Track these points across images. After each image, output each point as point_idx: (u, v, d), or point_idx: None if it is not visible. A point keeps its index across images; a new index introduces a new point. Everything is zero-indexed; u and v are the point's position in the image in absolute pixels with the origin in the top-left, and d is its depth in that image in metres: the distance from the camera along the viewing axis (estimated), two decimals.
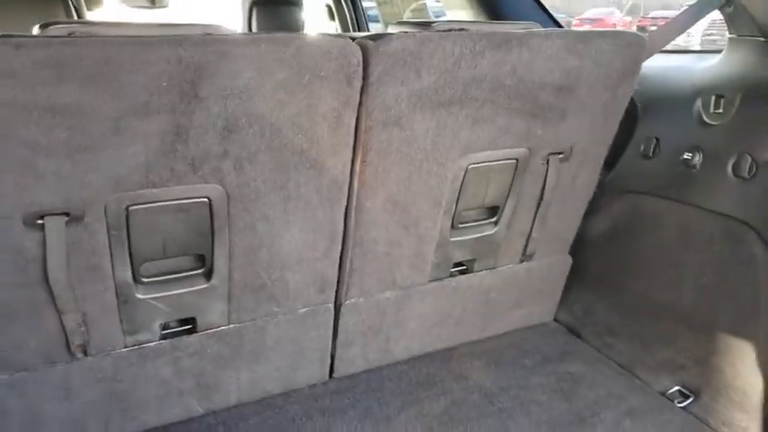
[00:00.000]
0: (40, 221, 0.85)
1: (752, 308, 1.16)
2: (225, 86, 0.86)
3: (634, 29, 6.37)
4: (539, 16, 1.70)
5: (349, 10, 2.97)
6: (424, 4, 5.19)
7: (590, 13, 10.32)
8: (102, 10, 2.48)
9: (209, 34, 0.86)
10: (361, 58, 0.94)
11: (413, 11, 4.03)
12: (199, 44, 0.83)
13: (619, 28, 8.48)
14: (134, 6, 2.81)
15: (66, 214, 0.86)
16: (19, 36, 0.74)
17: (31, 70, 0.74)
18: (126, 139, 0.84)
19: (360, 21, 3.02)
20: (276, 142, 0.95)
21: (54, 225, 0.86)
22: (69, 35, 0.79)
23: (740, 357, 1.18)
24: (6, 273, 0.88)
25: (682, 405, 1.25)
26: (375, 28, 3.46)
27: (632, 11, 8.48)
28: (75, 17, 1.94)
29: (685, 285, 1.30)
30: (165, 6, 2.68)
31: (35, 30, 0.82)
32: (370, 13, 3.61)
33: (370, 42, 0.96)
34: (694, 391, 1.25)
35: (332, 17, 3.10)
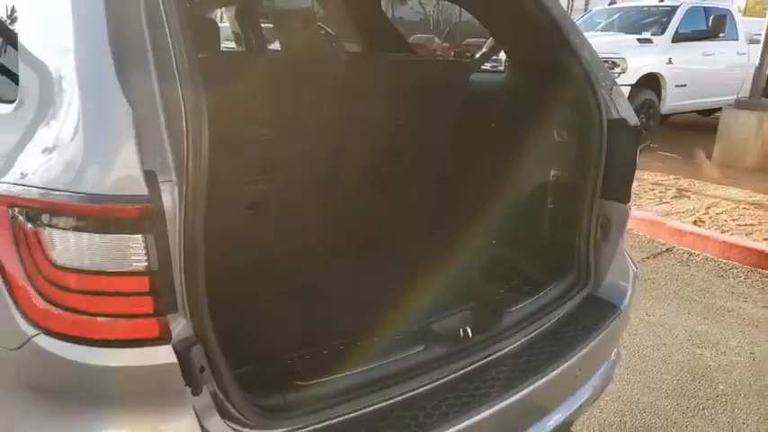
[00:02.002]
0: None
1: None
2: None
3: (452, 54, 7.54)
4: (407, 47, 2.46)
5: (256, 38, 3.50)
6: None
7: (412, 40, 11.38)
8: None
9: None
10: None
11: None
12: None
13: (438, 53, 10.09)
14: None
15: None
16: None
17: None
18: None
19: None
20: None
21: None
22: None
23: None
24: None
25: None
26: None
27: (449, 38, 9.71)
28: None
29: None
30: None
31: None
32: None
33: None
34: None
35: (239, 43, 3.62)
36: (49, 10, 1.01)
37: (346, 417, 1.17)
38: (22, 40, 1.04)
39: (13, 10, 1.10)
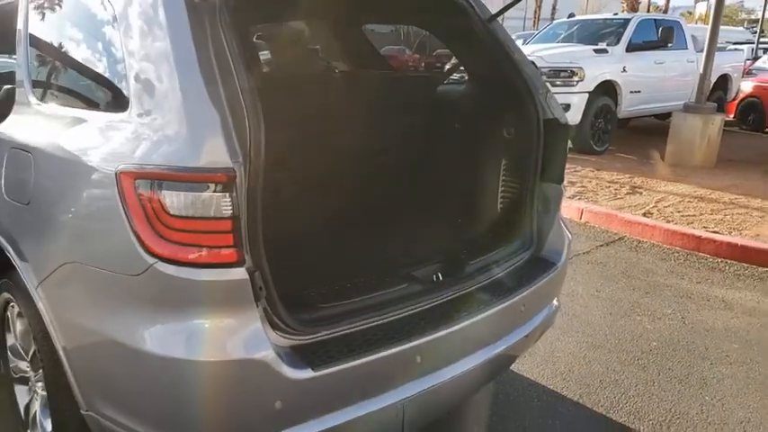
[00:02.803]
0: None
1: None
2: None
3: (423, 64, 8.02)
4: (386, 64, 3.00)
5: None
6: None
7: (384, 51, 11.92)
8: None
9: None
10: None
11: None
12: None
13: (410, 63, 10.70)
14: None
15: None
16: None
17: None
18: None
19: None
20: None
21: None
22: None
23: None
24: None
25: None
26: None
27: (419, 49, 10.18)
28: None
29: None
30: None
31: None
32: None
33: None
34: None
35: None
36: (156, 52, 1.52)
37: (353, 329, 1.70)
38: (134, 71, 1.55)
39: (123, 46, 1.60)
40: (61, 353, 1.74)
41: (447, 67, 7.04)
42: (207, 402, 1.48)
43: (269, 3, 2.28)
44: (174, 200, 1.41)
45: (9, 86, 2.25)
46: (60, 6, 2.04)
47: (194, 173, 1.40)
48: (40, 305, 1.77)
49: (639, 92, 8.38)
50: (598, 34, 8.75)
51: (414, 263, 2.05)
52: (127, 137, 1.53)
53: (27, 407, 2.24)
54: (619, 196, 6.13)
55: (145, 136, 1.49)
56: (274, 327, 1.56)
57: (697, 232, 4.94)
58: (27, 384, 2.26)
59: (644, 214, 5.48)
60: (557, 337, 3.32)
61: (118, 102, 1.61)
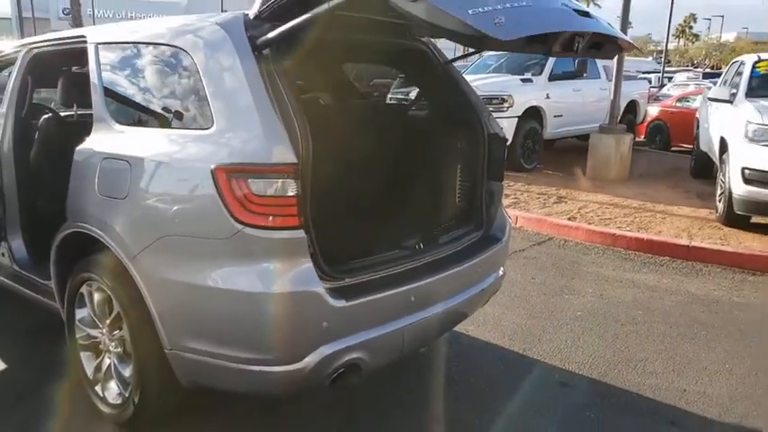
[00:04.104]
0: None
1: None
2: None
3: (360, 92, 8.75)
4: (360, 94, 3.79)
5: None
6: None
7: None
8: None
9: None
10: None
11: None
12: None
13: None
14: None
15: None
16: None
17: None
18: None
19: None
20: None
21: None
22: None
23: None
24: None
25: None
26: None
27: (357, 79, 10.74)
28: None
29: None
30: None
31: None
32: None
33: None
34: None
35: None
36: (235, 86, 2.27)
37: (367, 278, 2.46)
38: (217, 100, 2.28)
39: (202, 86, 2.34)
40: (152, 307, 2.39)
41: (388, 95, 7.97)
42: (278, 322, 2.20)
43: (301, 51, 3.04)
44: (257, 185, 2.15)
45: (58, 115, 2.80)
46: (133, 56, 2.74)
47: (273, 167, 2.15)
48: (135, 272, 2.42)
49: (561, 116, 9.59)
50: (524, 65, 9.94)
51: (403, 237, 2.85)
52: (215, 145, 2.25)
53: (98, 366, 2.84)
54: (547, 205, 7.16)
55: (230, 144, 2.23)
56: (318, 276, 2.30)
57: (612, 231, 5.99)
58: (92, 350, 2.87)
59: (569, 218, 6.50)
60: (502, 312, 4.17)
61: (202, 122, 2.34)
